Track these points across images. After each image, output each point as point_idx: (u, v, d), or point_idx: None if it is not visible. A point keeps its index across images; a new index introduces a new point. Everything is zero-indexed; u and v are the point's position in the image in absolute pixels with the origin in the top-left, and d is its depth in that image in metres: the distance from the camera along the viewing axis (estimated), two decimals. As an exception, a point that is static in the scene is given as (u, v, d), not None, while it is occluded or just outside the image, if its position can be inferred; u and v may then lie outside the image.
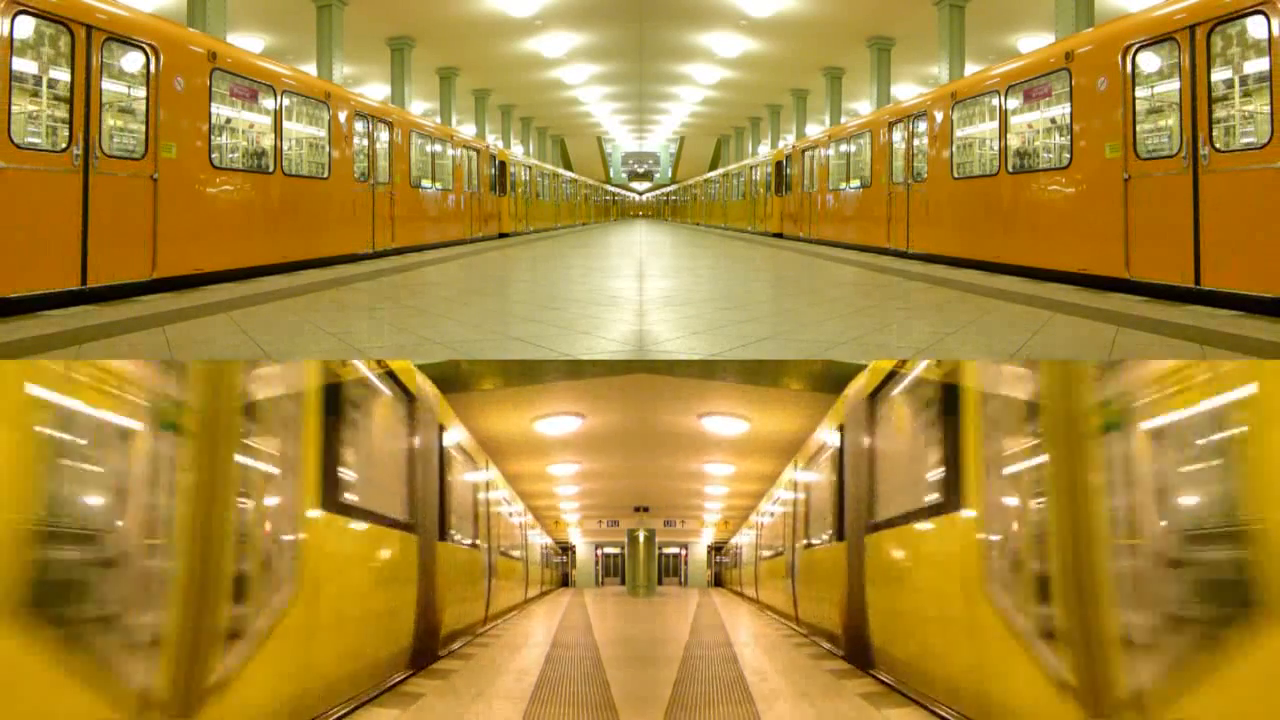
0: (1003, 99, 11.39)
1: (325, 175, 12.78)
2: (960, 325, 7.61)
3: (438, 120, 27.13)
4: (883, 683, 5.04)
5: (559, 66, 32.34)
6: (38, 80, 7.53)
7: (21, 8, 7.10)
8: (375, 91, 27.00)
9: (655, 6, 24.14)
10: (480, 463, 9.65)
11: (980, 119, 12.38)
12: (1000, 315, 8.17)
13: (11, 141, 7.02)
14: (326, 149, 12.84)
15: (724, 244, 23.66)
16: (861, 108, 31.31)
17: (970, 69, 19.28)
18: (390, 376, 5.13)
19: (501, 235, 23.66)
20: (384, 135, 15.01)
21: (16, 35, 7.14)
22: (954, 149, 12.99)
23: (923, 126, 14.10)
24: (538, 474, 17.97)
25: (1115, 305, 7.86)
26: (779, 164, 24.45)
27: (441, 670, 5.75)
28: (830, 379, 8.88)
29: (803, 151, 21.97)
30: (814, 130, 30.37)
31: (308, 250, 12.01)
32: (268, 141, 11.13)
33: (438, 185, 18.34)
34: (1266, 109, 7.08)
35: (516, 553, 14.06)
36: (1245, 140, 7.47)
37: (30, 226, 7.28)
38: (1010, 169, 11.22)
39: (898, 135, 15.19)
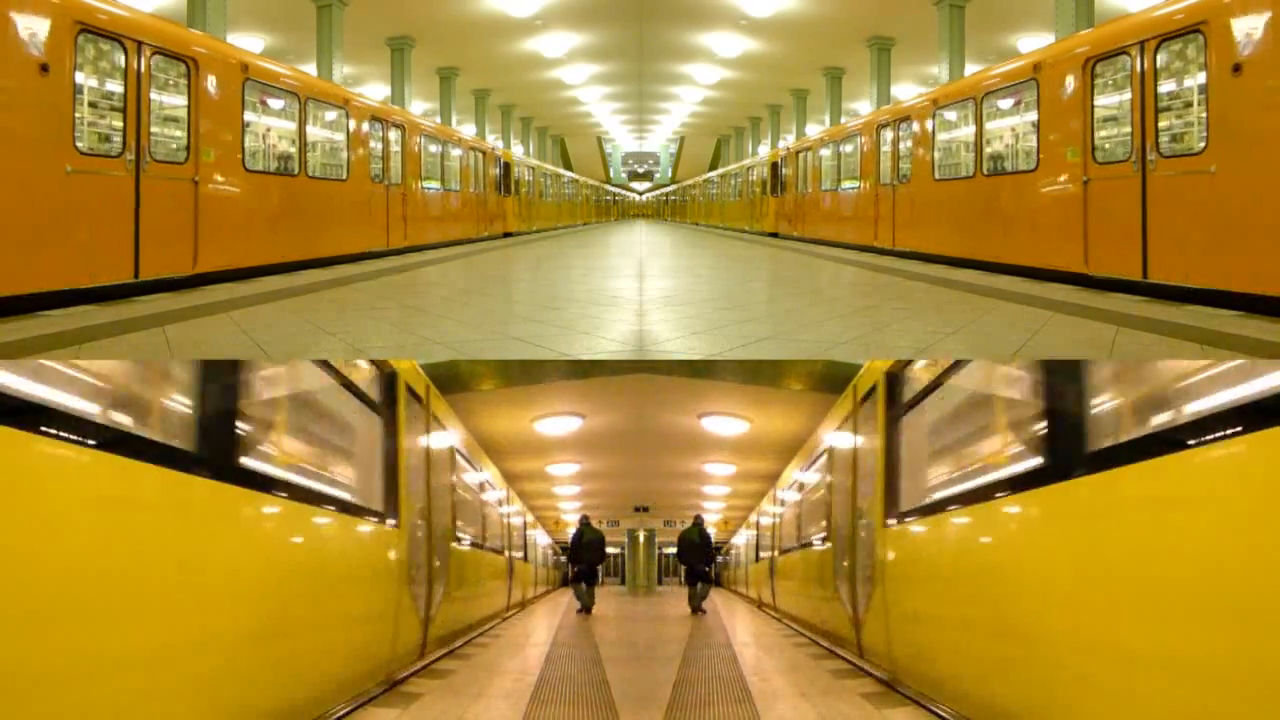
0: (978, 106, 11.86)
1: (344, 177, 13.31)
2: (959, 325, 7.62)
3: (438, 120, 27.14)
4: (882, 682, 5.05)
5: (559, 66, 32.31)
6: (95, 92, 8.02)
7: (84, 27, 7.54)
8: (375, 91, 26.95)
9: (655, 6, 24.13)
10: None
11: (959, 125, 12.86)
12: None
13: (76, 148, 7.50)
14: (345, 153, 13.40)
15: (723, 244, 23.68)
16: (862, 108, 31.27)
17: (970, 69, 19.27)
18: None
19: (506, 235, 23.75)
20: (396, 139, 15.35)
21: (79, 52, 7.57)
22: (935, 153, 13.44)
23: (907, 131, 14.48)
24: (538, 474, 18.00)
25: (1116, 305, 7.86)
26: (775, 165, 24.55)
27: (441, 670, 5.76)
28: (830, 379, 8.89)
29: (797, 153, 22.19)
30: (814, 130, 30.37)
31: (329, 247, 12.59)
32: (293, 146, 11.68)
33: (446, 186, 18.76)
34: (1204, 117, 7.59)
35: (521, 555, 17.20)
36: (1179, 146, 8.03)
37: (92, 224, 7.81)
38: (985, 171, 11.77)
39: (885, 139, 15.52)
